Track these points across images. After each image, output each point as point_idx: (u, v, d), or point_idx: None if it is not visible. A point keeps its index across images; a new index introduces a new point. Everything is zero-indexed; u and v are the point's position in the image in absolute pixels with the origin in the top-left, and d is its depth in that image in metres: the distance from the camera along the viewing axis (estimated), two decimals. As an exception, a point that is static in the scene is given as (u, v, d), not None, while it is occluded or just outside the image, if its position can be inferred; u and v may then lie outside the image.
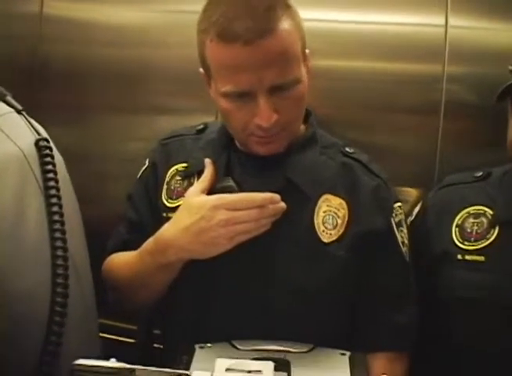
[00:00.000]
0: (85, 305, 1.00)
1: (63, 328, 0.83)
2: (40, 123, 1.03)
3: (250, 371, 0.74)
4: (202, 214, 1.08)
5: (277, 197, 1.10)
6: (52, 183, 0.89)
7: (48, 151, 0.91)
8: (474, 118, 1.44)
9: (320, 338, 1.08)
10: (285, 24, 1.05)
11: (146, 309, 1.30)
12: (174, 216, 1.14)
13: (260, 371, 0.74)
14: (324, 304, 1.14)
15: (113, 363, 0.76)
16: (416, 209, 1.33)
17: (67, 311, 0.85)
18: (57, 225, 0.87)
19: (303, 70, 1.11)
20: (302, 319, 1.13)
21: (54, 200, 0.88)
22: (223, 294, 1.15)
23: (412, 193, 1.46)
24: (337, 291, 1.14)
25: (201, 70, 1.14)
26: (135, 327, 1.50)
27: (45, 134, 0.97)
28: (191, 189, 1.15)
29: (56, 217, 0.87)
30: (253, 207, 1.08)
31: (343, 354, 1.01)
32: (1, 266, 0.78)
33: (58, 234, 0.86)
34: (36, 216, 0.86)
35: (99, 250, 1.23)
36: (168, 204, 1.21)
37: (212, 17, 1.05)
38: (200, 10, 1.10)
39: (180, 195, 1.19)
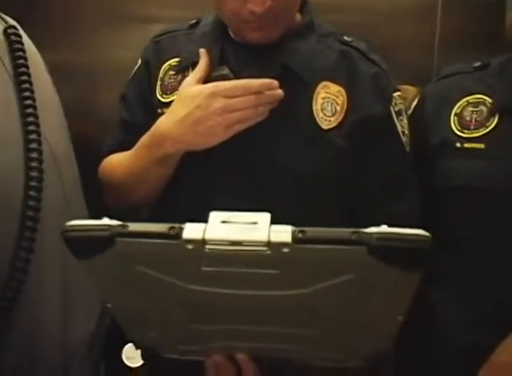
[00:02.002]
0: (64, 195, 0.96)
1: (38, 213, 0.81)
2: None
3: (246, 223, 0.70)
4: (198, 102, 1.04)
5: (275, 82, 1.05)
6: (22, 69, 0.86)
7: (16, 38, 0.87)
8: (471, 12, 1.40)
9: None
10: None
11: (146, 215, 1.27)
12: (171, 108, 1.10)
13: (256, 222, 0.70)
14: (322, 191, 1.10)
15: (105, 220, 0.73)
16: (414, 103, 1.29)
17: (43, 196, 0.83)
18: (29, 110, 0.84)
19: None
20: (300, 207, 1.08)
21: (25, 85, 0.85)
22: (221, 184, 1.11)
23: (410, 90, 1.42)
24: (336, 178, 1.10)
25: None
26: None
27: (13, 23, 0.93)
28: (186, 80, 1.11)
29: (28, 102, 0.84)
30: (250, 93, 1.04)
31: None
32: None
33: (31, 118, 0.84)
34: (4, 101, 0.83)
35: (92, 160, 1.21)
36: (163, 100, 1.16)
37: None
38: None
39: (174, 89, 1.15)
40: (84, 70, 1.58)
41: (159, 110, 1.16)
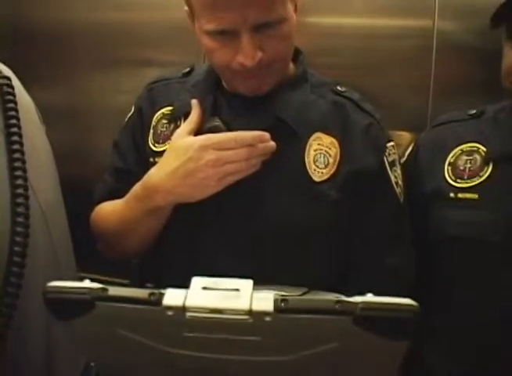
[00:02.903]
0: (54, 249, 0.95)
1: (22, 269, 0.79)
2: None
3: (227, 289, 0.69)
4: (190, 155, 1.03)
5: (267, 135, 1.04)
6: (13, 121, 0.85)
7: (9, 89, 0.87)
8: (466, 61, 1.40)
9: (312, 281, 1.01)
10: None
11: (137, 261, 1.26)
12: (161, 160, 1.09)
13: (237, 289, 0.69)
14: (314, 244, 1.08)
15: (85, 283, 0.72)
16: (409, 150, 1.28)
17: (29, 243, 0.82)
18: (17, 163, 0.83)
19: (289, 8, 1.04)
20: (292, 260, 1.07)
21: (14, 138, 0.84)
22: (212, 235, 1.09)
23: (404, 136, 1.41)
24: (328, 231, 1.08)
25: (186, 7, 1.08)
26: (124, 281, 1.46)
27: (7, 73, 0.92)
28: (178, 131, 1.10)
29: (17, 155, 0.83)
30: (242, 146, 1.03)
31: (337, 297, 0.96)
32: None
33: (18, 172, 0.82)
34: None
35: (86, 203, 1.20)
36: (155, 149, 1.15)
37: None
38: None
39: (167, 139, 1.14)
40: (78, 111, 1.58)
41: (151, 159, 1.15)
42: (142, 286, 1.35)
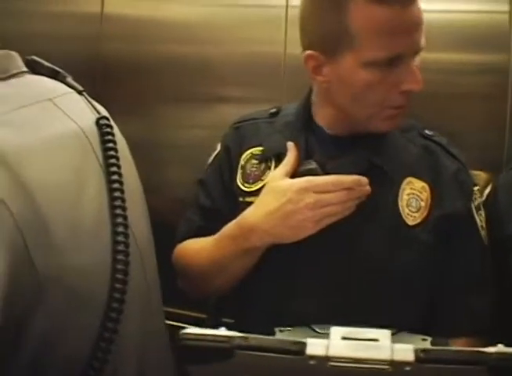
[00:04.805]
0: (148, 286, 0.97)
1: (122, 305, 0.80)
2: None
3: (367, 339, 0.72)
4: (288, 197, 1.05)
5: (365, 179, 1.06)
6: (112, 161, 0.87)
7: (108, 129, 0.89)
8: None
9: (400, 323, 1.04)
10: None
11: (216, 297, 1.29)
12: (258, 200, 1.10)
13: (377, 340, 0.72)
14: (406, 287, 1.10)
15: (223, 331, 0.75)
16: (487, 191, 1.30)
17: (127, 289, 0.82)
18: (118, 202, 0.84)
19: None
20: (383, 302, 1.09)
21: (115, 177, 0.86)
22: (305, 277, 1.11)
23: (481, 176, 1.44)
24: (419, 274, 1.11)
25: (309, 52, 1.08)
26: (202, 315, 1.49)
27: (105, 113, 0.94)
28: (275, 173, 1.12)
29: (117, 193, 0.85)
30: (340, 189, 1.05)
31: (424, 339, 0.98)
32: (61, 240, 0.76)
33: (119, 211, 0.84)
34: (95, 193, 0.84)
35: (157, 236, 1.23)
36: (245, 188, 1.17)
37: None
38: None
39: (257, 179, 1.16)
40: (152, 145, 1.61)
41: (240, 199, 1.17)
42: (218, 321, 1.38)
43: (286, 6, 1.52)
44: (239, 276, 1.15)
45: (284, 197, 1.06)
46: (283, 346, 0.70)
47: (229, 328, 1.27)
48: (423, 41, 1.05)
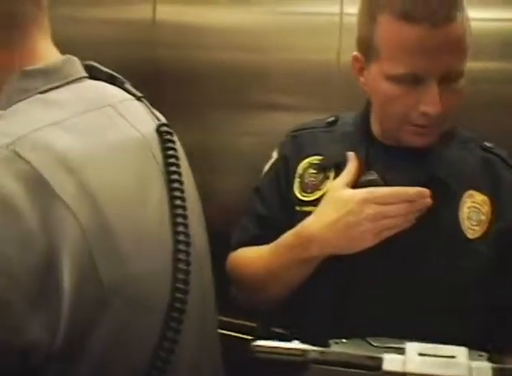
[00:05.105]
0: (204, 294, 0.97)
1: (183, 315, 0.80)
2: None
3: (444, 356, 0.71)
4: (350, 208, 1.04)
5: (426, 191, 1.04)
6: (173, 168, 0.87)
7: (169, 137, 0.88)
8: None
9: (457, 338, 1.03)
10: (464, 14, 1.02)
11: (268, 306, 1.29)
12: (318, 210, 1.10)
13: (454, 356, 0.71)
14: (465, 301, 1.08)
15: (297, 344, 0.75)
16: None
17: (188, 298, 0.82)
18: (179, 210, 0.84)
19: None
20: (441, 316, 1.07)
21: (176, 184, 0.86)
22: (361, 288, 1.10)
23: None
24: (479, 288, 1.08)
25: (356, 53, 1.10)
26: (252, 324, 1.49)
27: (164, 119, 0.94)
28: (335, 183, 1.11)
29: (178, 201, 0.84)
30: (401, 201, 1.04)
31: (481, 355, 0.97)
32: (125, 249, 0.76)
33: (180, 219, 0.84)
34: (157, 200, 0.84)
35: (216, 244, 1.23)
36: (302, 198, 1.16)
37: None
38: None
39: (315, 188, 1.15)
40: (203, 152, 1.61)
41: (297, 208, 1.16)
42: (269, 331, 1.38)
43: (341, 14, 1.51)
44: (294, 285, 1.14)
45: (345, 208, 1.05)
46: (359, 361, 0.70)
47: (281, 338, 1.27)
48: (456, 64, 1.02)
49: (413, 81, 1.02)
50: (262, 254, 1.18)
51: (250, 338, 1.51)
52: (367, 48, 1.07)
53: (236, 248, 1.25)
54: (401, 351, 0.91)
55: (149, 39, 1.70)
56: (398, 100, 1.05)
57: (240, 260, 1.23)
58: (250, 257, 1.21)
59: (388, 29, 1.02)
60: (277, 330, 1.35)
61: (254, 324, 1.48)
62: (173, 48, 1.69)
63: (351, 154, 1.13)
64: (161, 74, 1.65)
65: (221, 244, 1.27)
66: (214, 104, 1.63)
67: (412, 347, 0.71)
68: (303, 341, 0.77)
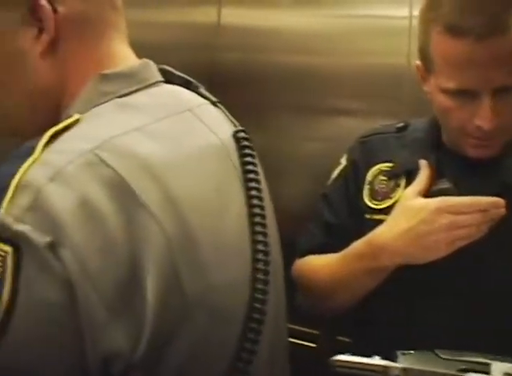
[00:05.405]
0: (278, 303, 0.96)
1: (261, 326, 0.78)
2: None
3: None
4: (423, 217, 1.03)
5: (501, 201, 1.02)
6: (252, 175, 0.84)
7: (247, 143, 0.86)
8: None
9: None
10: None
11: (333, 314, 1.26)
12: (390, 219, 1.08)
13: None
14: None
15: (378, 360, 0.73)
16: None
17: (266, 309, 0.79)
18: (258, 219, 0.81)
19: None
20: (502, 327, 1.04)
21: (254, 192, 0.83)
22: (430, 299, 1.08)
23: None
24: None
25: (418, 62, 1.09)
26: (314, 332, 1.47)
27: (239, 126, 0.91)
28: (407, 191, 1.09)
29: (257, 210, 0.82)
30: (475, 211, 1.01)
31: None
32: (206, 258, 0.74)
33: (259, 228, 0.81)
34: (237, 208, 0.82)
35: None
36: (372, 205, 1.15)
37: (442, 7, 1.00)
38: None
39: (386, 196, 1.14)
40: (271, 157, 1.60)
41: (367, 216, 1.15)
42: (332, 339, 1.36)
43: (410, 17, 1.48)
44: (362, 294, 1.13)
45: (418, 217, 1.03)
46: (445, 377, 0.68)
47: (346, 348, 1.25)
48: (509, 78, 0.99)
49: (466, 95, 1.00)
50: (330, 262, 1.16)
51: (313, 345, 1.50)
52: (425, 59, 1.07)
53: (302, 255, 1.24)
54: (470, 365, 0.89)
55: (213, 42, 1.69)
56: (453, 113, 1.04)
57: (307, 268, 1.22)
58: (317, 265, 1.20)
59: (438, 43, 1.02)
60: (341, 338, 1.34)
61: (317, 332, 1.46)
62: (238, 51, 1.69)
63: (423, 162, 1.11)
64: (226, 78, 1.64)
65: (286, 250, 1.26)
66: (279, 108, 1.61)
67: (497, 366, 0.68)
68: (376, 354, 0.74)
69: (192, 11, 1.72)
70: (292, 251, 1.26)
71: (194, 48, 1.68)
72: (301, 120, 1.59)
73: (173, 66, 0.90)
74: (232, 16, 1.70)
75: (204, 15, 1.72)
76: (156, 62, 0.89)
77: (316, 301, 1.21)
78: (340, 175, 1.23)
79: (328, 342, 1.36)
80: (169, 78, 0.87)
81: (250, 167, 0.85)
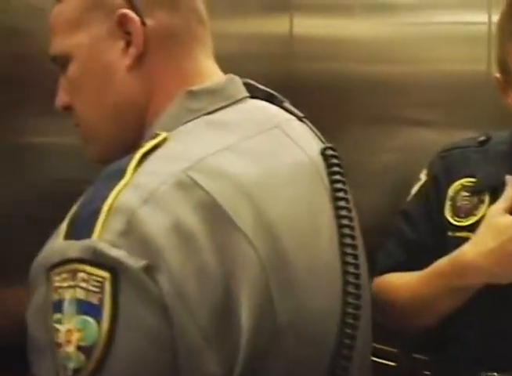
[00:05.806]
0: (367, 326, 0.90)
1: (352, 352, 0.76)
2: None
3: None
4: (509, 235, 1.00)
5: None
6: (341, 194, 0.82)
7: (335, 160, 0.84)
8: None
9: None
10: None
11: (412, 333, 1.23)
12: (476, 237, 1.05)
13: None
14: None
15: None
16: None
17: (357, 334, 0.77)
18: (348, 240, 0.79)
19: None
20: None
21: (344, 212, 0.81)
22: None
23: None
24: None
25: (497, 74, 1.07)
26: (392, 350, 1.44)
27: (328, 143, 0.89)
28: (493, 208, 1.06)
29: (347, 231, 0.80)
30: None
31: None
32: (298, 281, 0.72)
33: (349, 250, 0.79)
34: (328, 229, 0.79)
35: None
36: (455, 222, 1.12)
37: None
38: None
39: (469, 213, 1.11)
40: (347, 169, 1.59)
41: (449, 233, 1.12)
42: (409, 357, 1.33)
43: (489, 23, 1.44)
44: (446, 313, 1.10)
45: (505, 236, 1.01)
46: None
47: (426, 367, 1.22)
48: None
49: None
50: (411, 281, 1.14)
51: (390, 363, 1.47)
52: (504, 71, 1.05)
53: (381, 273, 1.21)
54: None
55: (286, 52, 1.68)
56: None
57: (386, 286, 1.19)
58: (397, 283, 1.17)
59: None
60: (418, 356, 1.31)
61: (394, 349, 1.43)
62: (311, 61, 1.67)
63: (509, 178, 1.07)
64: (299, 88, 1.63)
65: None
66: (354, 119, 1.59)
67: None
68: None
69: (265, 21, 1.72)
70: (370, 265, 1.24)
71: (267, 58, 1.67)
72: (376, 131, 1.56)
73: (246, 78, 0.89)
74: (305, 26, 1.69)
75: (277, 25, 1.71)
76: (229, 73, 0.88)
77: (394, 320, 1.18)
78: (420, 191, 1.20)
79: (406, 360, 1.33)
80: (252, 92, 0.85)
81: (339, 185, 0.83)
